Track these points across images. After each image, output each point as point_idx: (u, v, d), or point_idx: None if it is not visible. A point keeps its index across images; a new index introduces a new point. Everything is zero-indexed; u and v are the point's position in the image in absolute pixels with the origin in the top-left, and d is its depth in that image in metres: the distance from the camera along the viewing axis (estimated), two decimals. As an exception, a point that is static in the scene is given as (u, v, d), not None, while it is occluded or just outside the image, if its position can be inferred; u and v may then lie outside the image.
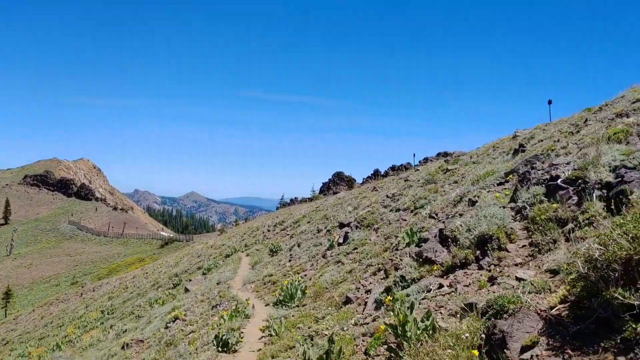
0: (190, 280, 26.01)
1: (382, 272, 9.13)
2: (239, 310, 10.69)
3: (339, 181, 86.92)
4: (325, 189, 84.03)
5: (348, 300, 8.31)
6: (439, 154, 60.56)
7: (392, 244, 11.55)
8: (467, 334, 4.31)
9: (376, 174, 76.74)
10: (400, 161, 68.19)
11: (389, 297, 6.05)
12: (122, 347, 15.30)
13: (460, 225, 7.25)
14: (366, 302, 7.77)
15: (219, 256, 33.86)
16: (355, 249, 14.09)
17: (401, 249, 9.57)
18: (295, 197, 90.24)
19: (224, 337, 8.13)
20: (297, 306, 10.76)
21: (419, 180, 20.57)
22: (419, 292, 6.22)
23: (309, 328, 7.94)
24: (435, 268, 6.76)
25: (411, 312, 4.68)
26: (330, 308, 8.57)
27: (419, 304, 5.79)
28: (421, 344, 4.41)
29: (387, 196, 19.64)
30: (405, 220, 14.34)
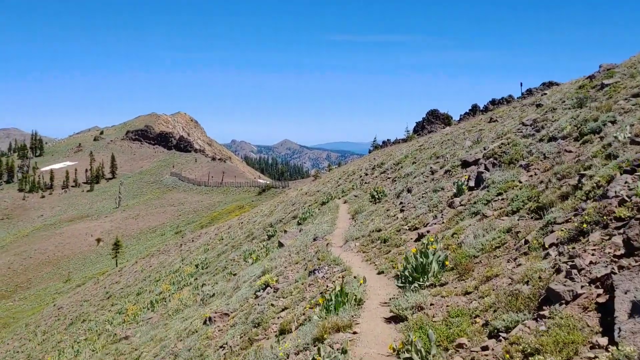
0: (285, 231, 23.35)
1: (594, 238, 5.21)
2: (346, 293, 7.27)
3: (434, 119, 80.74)
4: (420, 128, 78.47)
5: (554, 296, 4.51)
6: (543, 84, 53.81)
7: (576, 186, 7.46)
8: None
9: (474, 110, 69.93)
10: (486, 100, 60.86)
11: None
12: (205, 322, 12.70)
13: None
14: (601, 306, 3.99)
15: (314, 204, 31.00)
16: (500, 194, 10.11)
17: (620, 196, 5.52)
18: (387, 139, 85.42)
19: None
20: (433, 285, 7.15)
21: (563, 102, 15.80)
22: None
23: (485, 355, 4.31)
24: None
25: None
26: (516, 311, 4.76)
27: None
28: None
29: (524, 124, 15.13)
30: (570, 151, 10.07)
